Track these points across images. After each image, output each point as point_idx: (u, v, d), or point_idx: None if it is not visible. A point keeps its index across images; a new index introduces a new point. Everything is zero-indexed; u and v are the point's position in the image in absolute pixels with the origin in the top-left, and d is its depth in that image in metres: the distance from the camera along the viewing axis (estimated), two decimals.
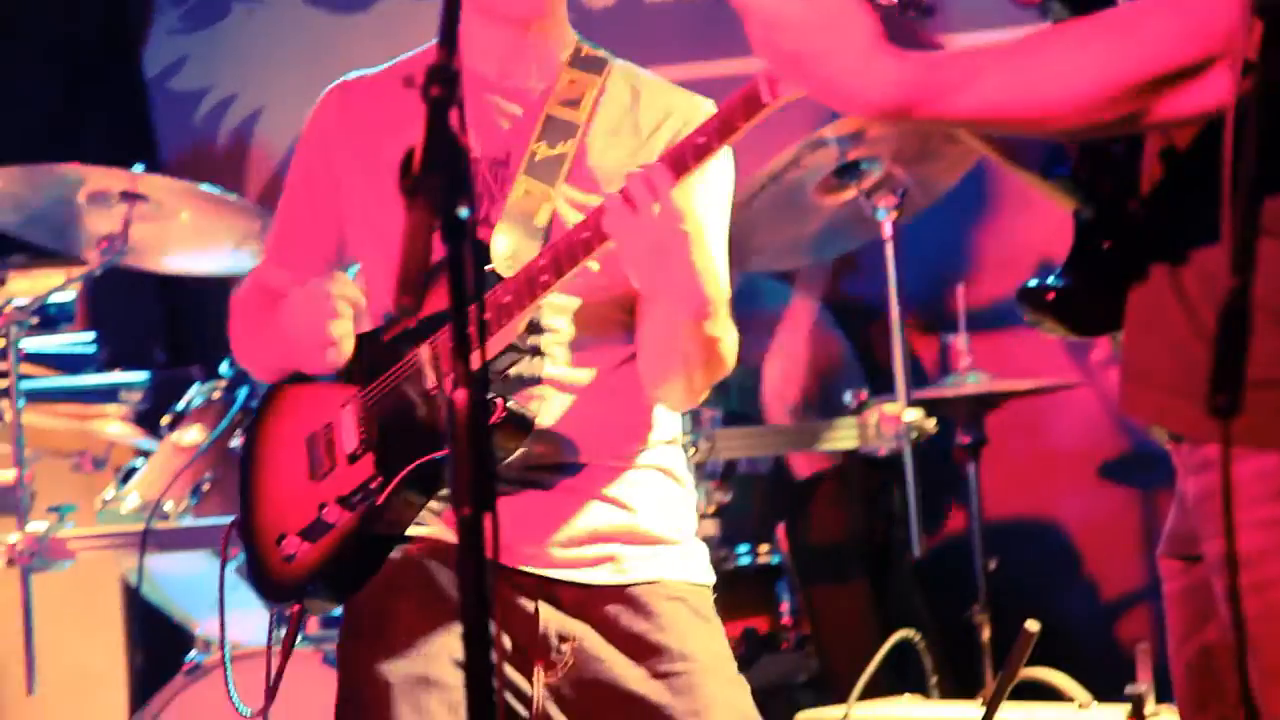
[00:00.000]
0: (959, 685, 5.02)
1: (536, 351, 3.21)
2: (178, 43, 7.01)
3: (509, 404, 3.21)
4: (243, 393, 4.85)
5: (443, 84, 2.24)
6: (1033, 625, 4.03)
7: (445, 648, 3.24)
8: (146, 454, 4.89)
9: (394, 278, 2.24)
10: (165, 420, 4.88)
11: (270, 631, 3.40)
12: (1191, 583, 2.45)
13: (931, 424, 5.16)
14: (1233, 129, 2.04)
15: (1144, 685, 4.20)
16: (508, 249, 3.22)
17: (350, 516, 3.23)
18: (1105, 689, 4.43)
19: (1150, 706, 4.16)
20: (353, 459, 3.26)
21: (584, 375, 3.33)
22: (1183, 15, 2.17)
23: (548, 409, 3.26)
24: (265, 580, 3.41)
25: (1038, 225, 5.42)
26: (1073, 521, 5.85)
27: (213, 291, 6.21)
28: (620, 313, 3.32)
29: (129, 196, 4.94)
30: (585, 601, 3.26)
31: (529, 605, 3.26)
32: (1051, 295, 2.48)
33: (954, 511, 5.38)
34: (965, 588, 5.14)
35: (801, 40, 2.33)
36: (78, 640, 3.81)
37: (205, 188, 5.20)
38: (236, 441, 4.75)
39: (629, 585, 3.27)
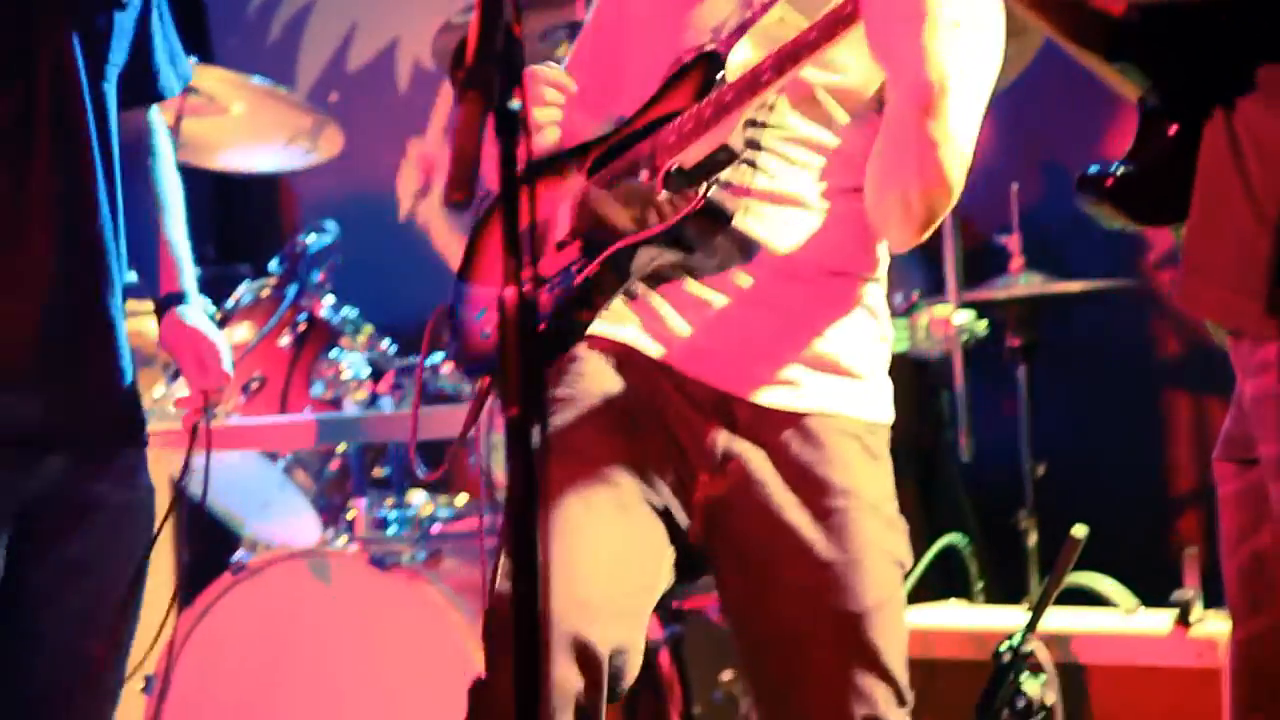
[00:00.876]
0: (1005, 591, 5.03)
1: (751, 162, 3.19)
2: None
3: (709, 193, 3.19)
4: (292, 290, 4.83)
5: None
6: (1079, 530, 4.05)
7: (614, 451, 3.22)
8: None
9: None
10: (215, 318, 4.81)
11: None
12: (1246, 486, 2.45)
13: (983, 326, 5.19)
14: None
15: (1191, 591, 4.23)
16: (742, 60, 3.19)
17: (547, 298, 3.24)
18: (1152, 595, 4.42)
19: (1197, 612, 4.18)
20: (560, 246, 3.28)
21: (801, 193, 3.26)
22: None
23: (754, 219, 3.22)
24: (462, 352, 3.47)
25: (1098, 123, 5.30)
26: (1123, 426, 5.81)
27: (263, 188, 6.40)
28: (848, 144, 3.23)
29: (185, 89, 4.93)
30: (758, 423, 3.22)
31: (700, 417, 3.24)
32: (1111, 181, 2.50)
33: (1004, 415, 5.34)
34: (1013, 493, 5.13)
35: None
36: None
37: (257, 80, 5.21)
38: (285, 339, 4.78)
39: (805, 414, 3.21)
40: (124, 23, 3.66)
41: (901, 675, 3.21)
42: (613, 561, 3.17)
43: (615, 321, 3.30)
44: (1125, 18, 2.50)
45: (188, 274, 3.72)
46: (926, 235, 3.15)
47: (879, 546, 3.19)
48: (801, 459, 3.21)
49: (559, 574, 3.00)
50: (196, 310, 3.66)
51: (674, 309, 3.28)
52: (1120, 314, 5.74)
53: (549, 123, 3.28)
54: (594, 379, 3.30)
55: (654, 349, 3.29)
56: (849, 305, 3.29)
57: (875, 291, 3.34)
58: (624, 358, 3.28)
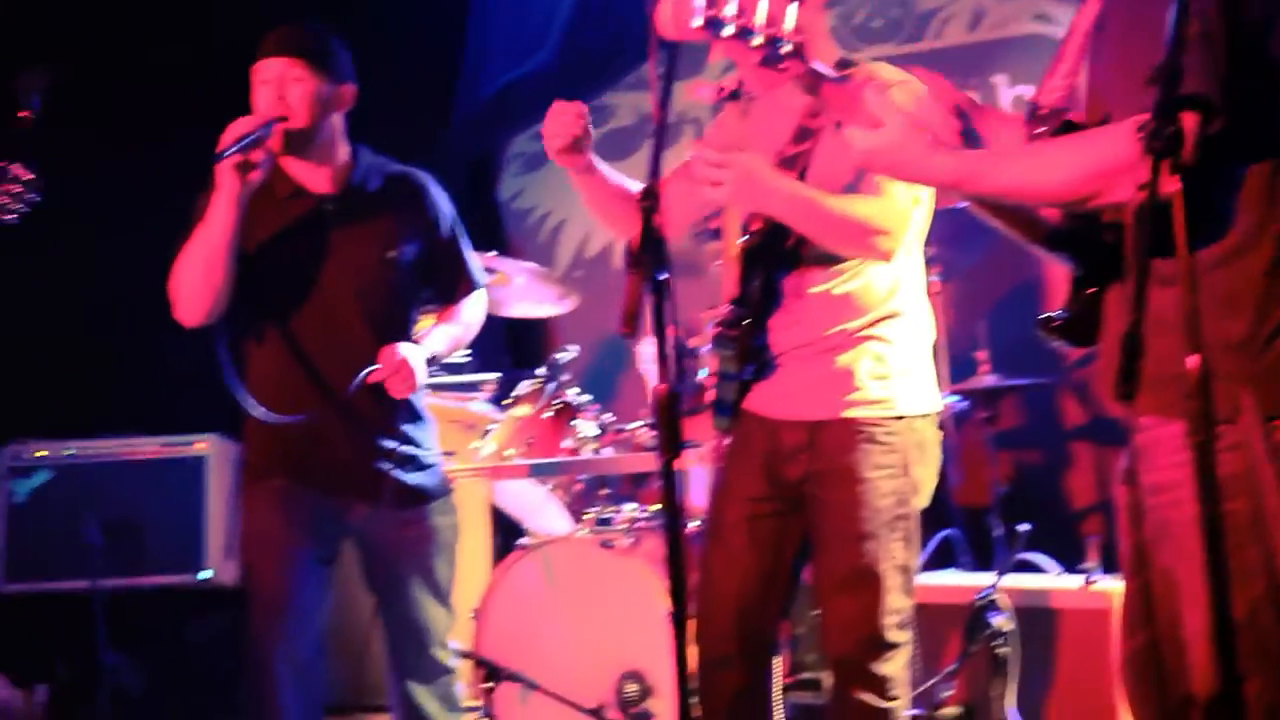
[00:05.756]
0: (980, 564, 4.89)
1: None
2: (517, 180, 7.12)
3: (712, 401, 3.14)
4: (551, 385, 4.77)
5: (649, 199, 2.36)
6: (1024, 527, 4.12)
7: (745, 489, 3.12)
8: (497, 422, 4.88)
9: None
10: (507, 402, 4.89)
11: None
12: (1131, 500, 2.35)
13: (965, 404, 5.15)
14: (1134, 221, 2.05)
15: (1092, 563, 4.22)
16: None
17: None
18: (1068, 565, 4.41)
19: (1095, 577, 4.17)
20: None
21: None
22: (1115, 144, 2.14)
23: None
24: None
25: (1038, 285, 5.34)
26: (1050, 465, 5.72)
27: (536, 325, 6.34)
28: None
29: (487, 269, 4.93)
30: (813, 430, 3.06)
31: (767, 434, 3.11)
32: (1058, 323, 2.42)
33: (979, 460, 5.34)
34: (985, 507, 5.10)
35: (888, 155, 2.34)
36: (462, 531, 3.94)
37: (531, 264, 5.25)
38: (548, 414, 4.73)
39: (823, 420, 3.06)
40: (438, 258, 3.68)
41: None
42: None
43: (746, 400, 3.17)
44: (1060, 223, 2.41)
45: (430, 340, 3.64)
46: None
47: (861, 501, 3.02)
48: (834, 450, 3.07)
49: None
50: (411, 346, 3.53)
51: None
52: (1052, 398, 5.70)
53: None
54: (740, 439, 3.18)
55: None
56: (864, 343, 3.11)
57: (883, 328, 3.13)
58: (754, 424, 3.15)
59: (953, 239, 4.86)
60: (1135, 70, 2.07)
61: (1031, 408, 5.71)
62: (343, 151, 3.60)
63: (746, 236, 3.13)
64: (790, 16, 2.23)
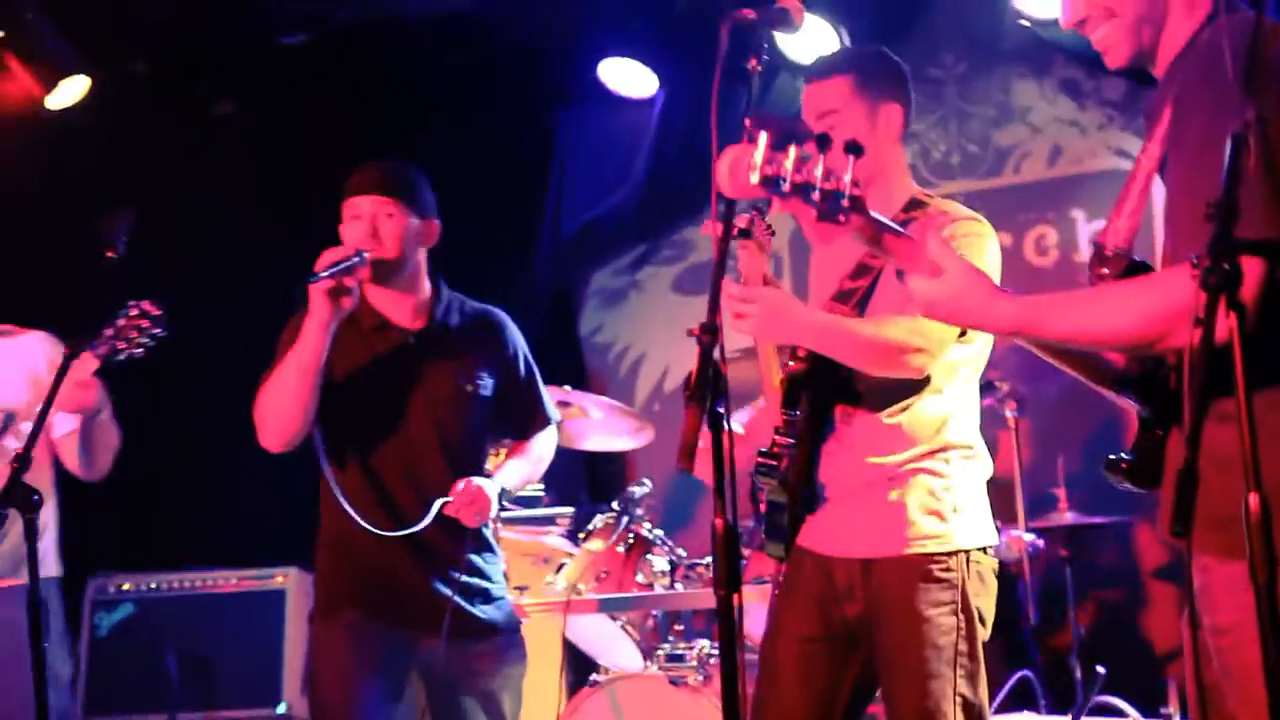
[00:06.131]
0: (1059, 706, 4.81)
1: None
2: (597, 316, 7.17)
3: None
4: (625, 520, 4.79)
5: (709, 334, 2.38)
6: (1101, 669, 4.04)
7: (798, 628, 3.10)
8: (571, 556, 4.89)
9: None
10: (581, 536, 4.91)
11: None
12: (1195, 642, 2.28)
13: (1041, 543, 5.10)
14: (1190, 362, 2.00)
15: (1173, 708, 4.17)
16: None
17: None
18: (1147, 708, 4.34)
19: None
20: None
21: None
22: (1175, 289, 2.14)
23: None
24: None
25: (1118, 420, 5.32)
26: (1133, 612, 5.64)
27: (614, 459, 6.37)
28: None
29: (562, 403, 4.95)
30: (866, 568, 3.04)
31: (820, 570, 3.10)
32: (1125, 465, 2.40)
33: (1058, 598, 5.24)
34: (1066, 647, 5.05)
35: (948, 304, 2.32)
36: (531, 666, 3.93)
37: (608, 399, 5.30)
38: (621, 548, 4.73)
39: (878, 558, 3.02)
40: (514, 394, 3.74)
41: None
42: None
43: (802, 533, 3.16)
44: (1126, 367, 2.41)
45: (503, 473, 3.68)
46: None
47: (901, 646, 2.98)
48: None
49: None
50: (485, 479, 3.56)
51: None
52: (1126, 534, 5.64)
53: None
54: (793, 575, 3.17)
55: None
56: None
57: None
58: (802, 559, 3.14)
59: (1030, 373, 4.84)
60: (1196, 208, 2.04)
61: (1112, 546, 5.62)
62: (425, 286, 3.69)
63: (792, 363, 3.13)
64: (849, 170, 2.23)
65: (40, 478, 3.85)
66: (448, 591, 3.53)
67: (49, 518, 3.99)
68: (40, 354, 4.08)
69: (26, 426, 3.71)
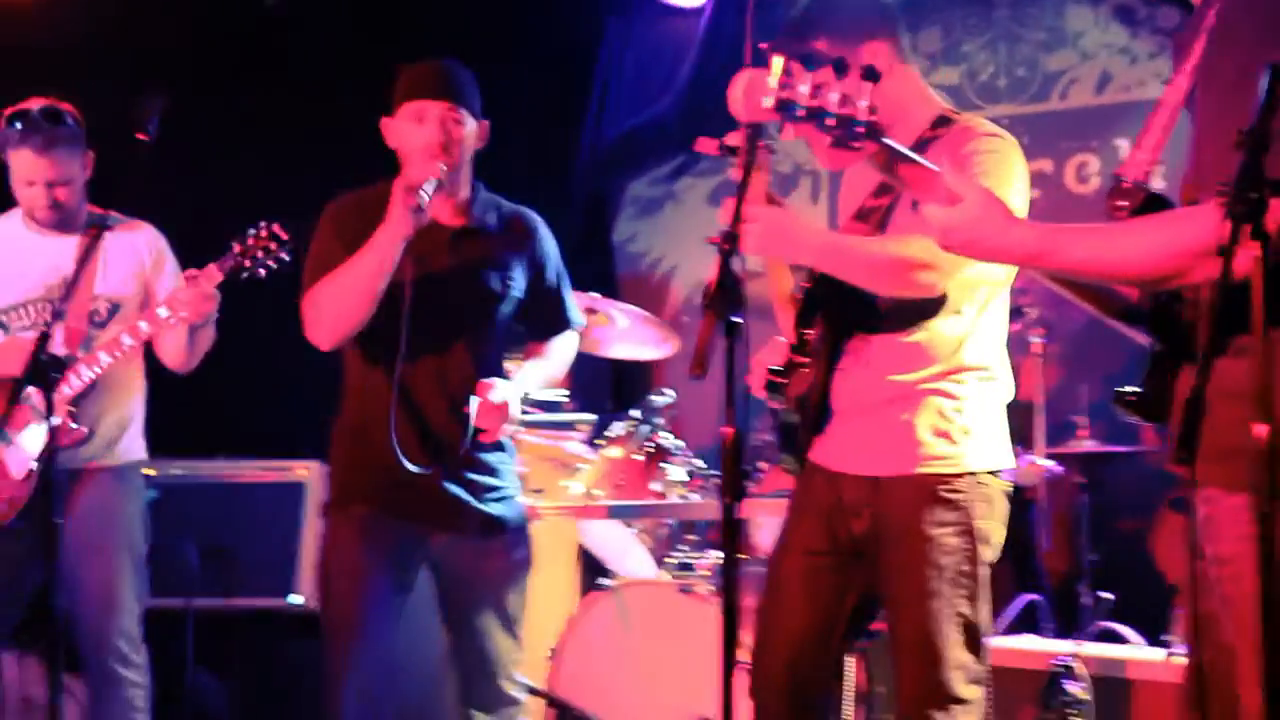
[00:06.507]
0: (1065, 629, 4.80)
1: None
2: (632, 225, 7.20)
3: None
4: (645, 428, 4.80)
5: (729, 242, 2.36)
6: (1107, 595, 4.05)
7: (805, 542, 3.09)
8: (590, 461, 4.91)
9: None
10: (600, 442, 4.92)
11: None
12: (1197, 572, 2.30)
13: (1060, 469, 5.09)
14: (1214, 299, 2.00)
15: (1176, 637, 4.13)
16: None
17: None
18: (1151, 634, 4.35)
19: (1177, 649, 4.06)
20: None
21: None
22: (1198, 225, 2.11)
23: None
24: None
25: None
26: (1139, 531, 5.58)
27: (641, 368, 6.36)
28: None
29: (589, 310, 4.97)
30: (875, 486, 3.02)
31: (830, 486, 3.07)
32: (1133, 398, 2.40)
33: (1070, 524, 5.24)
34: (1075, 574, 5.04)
35: (964, 232, 2.27)
36: (544, 569, 3.94)
37: (635, 308, 5.28)
38: (639, 456, 4.76)
39: (886, 476, 3.01)
40: (542, 297, 3.74)
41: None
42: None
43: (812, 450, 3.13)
44: (1139, 301, 2.40)
45: (524, 376, 3.69)
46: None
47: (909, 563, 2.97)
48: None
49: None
50: (503, 383, 3.55)
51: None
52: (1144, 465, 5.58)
53: None
54: (802, 490, 3.16)
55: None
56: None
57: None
58: (812, 473, 3.13)
59: (1058, 300, 4.77)
60: (1227, 138, 2.01)
61: (1130, 476, 5.57)
62: (467, 186, 3.68)
63: (808, 281, 3.10)
64: (865, 96, 2.17)
65: (132, 366, 4.16)
66: (458, 491, 3.55)
67: (136, 407, 4.21)
68: (146, 249, 4.23)
69: (131, 318, 4.01)
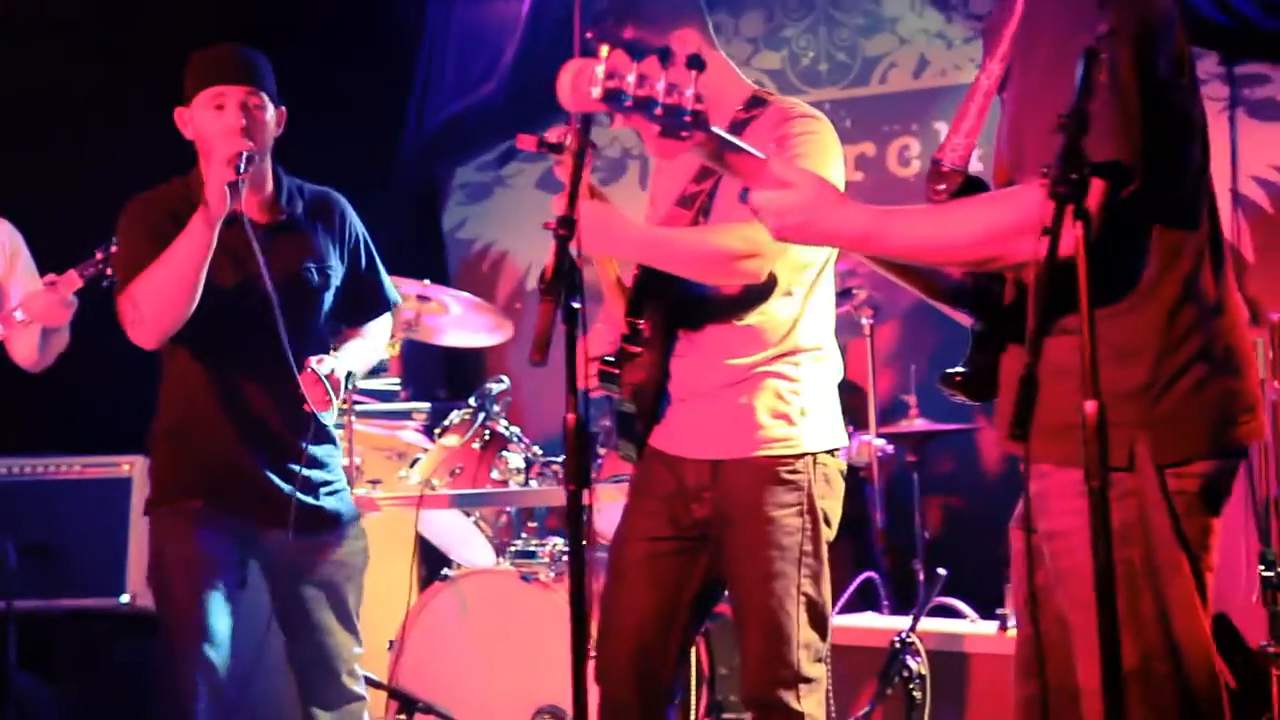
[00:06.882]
0: (901, 606, 4.88)
1: None
2: (461, 210, 7.15)
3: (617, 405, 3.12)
4: (481, 415, 4.72)
5: (565, 228, 2.33)
6: (942, 571, 4.13)
7: (647, 528, 3.09)
8: (426, 451, 4.83)
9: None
10: (437, 431, 4.87)
11: None
12: (1026, 546, 2.35)
13: (891, 448, 5.19)
14: (1035, 273, 2.01)
15: (1010, 609, 4.17)
16: None
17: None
18: (986, 610, 4.41)
19: (1011, 622, 4.13)
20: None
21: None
22: (1021, 206, 2.14)
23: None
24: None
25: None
26: (971, 507, 5.77)
27: (473, 355, 6.31)
28: None
29: (422, 298, 4.98)
30: (716, 469, 3.04)
31: (670, 471, 3.09)
32: (958, 378, 2.42)
33: (901, 501, 5.35)
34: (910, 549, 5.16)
35: (795, 216, 2.25)
36: (383, 561, 3.89)
37: (468, 295, 5.24)
38: (477, 444, 4.68)
39: (726, 459, 3.02)
40: (357, 278, 3.69)
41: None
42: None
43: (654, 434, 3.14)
44: (962, 280, 2.43)
45: (347, 355, 3.65)
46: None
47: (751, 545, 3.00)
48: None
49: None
50: (330, 357, 3.53)
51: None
52: (973, 442, 5.75)
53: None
54: (643, 476, 3.16)
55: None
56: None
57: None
58: (658, 459, 3.13)
59: (886, 281, 4.86)
60: (1046, 121, 2.05)
61: (960, 453, 5.72)
62: (271, 178, 3.62)
63: (638, 270, 3.09)
64: (692, 85, 2.16)
65: None
66: (287, 486, 3.50)
67: None
68: (1, 244, 4.20)
69: None
